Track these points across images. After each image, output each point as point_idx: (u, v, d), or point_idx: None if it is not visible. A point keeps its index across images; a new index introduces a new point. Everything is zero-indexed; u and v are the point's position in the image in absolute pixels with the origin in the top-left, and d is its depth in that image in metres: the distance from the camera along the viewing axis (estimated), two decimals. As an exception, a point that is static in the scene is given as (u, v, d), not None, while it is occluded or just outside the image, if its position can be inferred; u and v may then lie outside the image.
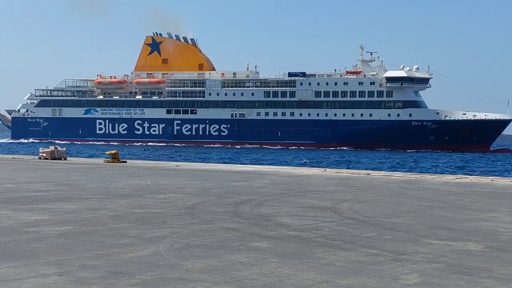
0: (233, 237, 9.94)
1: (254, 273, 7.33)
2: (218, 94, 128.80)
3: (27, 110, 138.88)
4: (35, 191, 17.07)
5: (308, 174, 27.80)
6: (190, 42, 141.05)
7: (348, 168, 43.76)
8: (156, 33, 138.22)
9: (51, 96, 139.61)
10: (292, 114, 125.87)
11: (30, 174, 23.66)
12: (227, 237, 9.98)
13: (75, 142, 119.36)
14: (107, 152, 37.06)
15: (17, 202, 14.21)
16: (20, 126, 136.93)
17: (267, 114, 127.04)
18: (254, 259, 8.16)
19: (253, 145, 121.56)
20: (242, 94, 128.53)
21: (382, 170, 36.49)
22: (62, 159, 36.46)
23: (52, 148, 38.53)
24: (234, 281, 6.90)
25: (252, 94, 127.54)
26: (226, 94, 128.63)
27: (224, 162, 50.47)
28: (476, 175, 36.08)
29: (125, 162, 35.35)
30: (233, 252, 8.62)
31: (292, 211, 13.72)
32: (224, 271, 7.40)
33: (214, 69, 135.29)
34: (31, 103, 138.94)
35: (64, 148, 39.62)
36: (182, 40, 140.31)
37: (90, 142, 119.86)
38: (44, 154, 36.91)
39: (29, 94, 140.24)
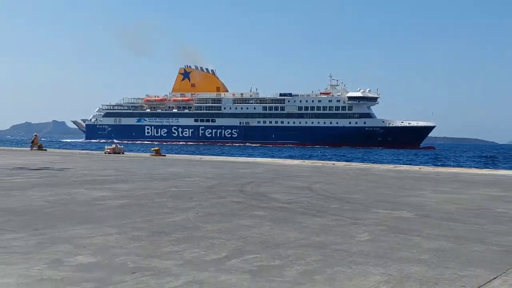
0: (240, 208, 9.97)
1: (254, 233, 7.38)
2: (230, 108, 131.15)
3: (96, 119, 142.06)
4: (102, 176, 17.10)
5: (291, 164, 27.81)
6: (210, 71, 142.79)
7: (320, 159, 43.79)
8: (187, 65, 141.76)
9: (113, 109, 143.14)
10: (282, 122, 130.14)
11: (98, 164, 23.71)
12: (235, 207, 10.00)
13: (130, 142, 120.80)
14: (152, 149, 37.07)
15: (89, 183, 14.26)
16: (91, 131, 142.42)
17: (264, 122, 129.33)
18: (254, 223, 8.20)
19: (255, 144, 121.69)
20: (247, 108, 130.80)
21: (343, 161, 36.38)
22: (121, 153, 36.48)
23: (113, 146, 38.66)
24: (240, 238, 6.95)
25: (254, 108, 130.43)
26: (236, 108, 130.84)
27: (233, 156, 50.46)
28: (407, 165, 36.13)
29: (165, 155, 35.34)
30: (239, 218, 8.66)
31: (281, 189, 13.73)
32: (233, 231, 7.45)
33: (227, 91, 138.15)
34: (99, 114, 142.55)
35: (122, 146, 39.76)
36: (204, 70, 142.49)
37: (140, 142, 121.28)
38: (108, 150, 36.96)
39: (98, 108, 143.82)
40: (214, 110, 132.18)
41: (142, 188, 13.35)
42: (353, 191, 13.55)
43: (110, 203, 10.23)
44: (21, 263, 5.31)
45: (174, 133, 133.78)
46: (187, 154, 43.93)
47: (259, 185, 14.87)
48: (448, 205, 11.03)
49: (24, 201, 10.06)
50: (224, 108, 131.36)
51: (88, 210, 9.18)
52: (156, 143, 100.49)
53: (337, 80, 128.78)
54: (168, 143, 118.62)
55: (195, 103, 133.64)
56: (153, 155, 34.44)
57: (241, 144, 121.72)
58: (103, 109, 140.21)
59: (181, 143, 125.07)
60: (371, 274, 5.23)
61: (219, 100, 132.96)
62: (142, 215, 8.77)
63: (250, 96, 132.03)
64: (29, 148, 41.53)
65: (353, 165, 28.94)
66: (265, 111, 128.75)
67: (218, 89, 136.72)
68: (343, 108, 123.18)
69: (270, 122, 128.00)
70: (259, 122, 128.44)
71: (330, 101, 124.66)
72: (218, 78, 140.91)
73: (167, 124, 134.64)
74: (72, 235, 6.87)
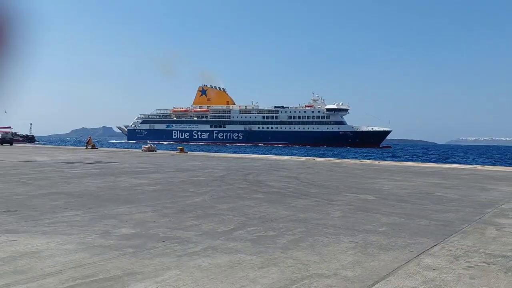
0: (244, 192, 9.91)
1: (255, 211, 7.36)
2: (237, 117, 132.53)
3: (135, 125, 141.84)
4: (140, 168, 17.04)
5: (283, 159, 27.74)
6: (221, 89, 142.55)
7: (303, 156, 43.61)
8: (204, 84, 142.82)
9: (148, 118, 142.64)
10: (276, 128, 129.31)
11: (137, 159, 23.67)
12: (240, 192, 9.95)
13: (160, 143, 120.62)
14: (177, 148, 37.04)
15: (130, 173, 14.22)
16: (132, 134, 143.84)
17: (263, 128, 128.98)
18: (255, 204, 8.17)
19: (256, 144, 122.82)
20: (250, 117, 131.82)
21: (322, 157, 36.25)
22: (154, 151, 36.45)
23: (148, 145, 38.51)
24: (244, 215, 6.93)
25: (255, 117, 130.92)
26: (241, 117, 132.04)
27: (239, 153, 50.24)
28: (370, 159, 36.02)
29: (187, 153, 35.31)
30: (243, 200, 8.62)
31: (275, 178, 13.63)
32: (239, 210, 7.43)
33: (234, 104, 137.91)
34: (137, 121, 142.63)
35: (155, 146, 39.57)
36: (217, 88, 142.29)
37: (168, 143, 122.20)
38: (145, 149, 36.89)
39: (136, 117, 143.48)
40: (225, 118, 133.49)
41: (170, 177, 13.31)
42: (329, 180, 13.52)
43: (146, 188, 10.21)
44: (79, 234, 5.31)
45: (195, 136, 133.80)
46: (204, 152, 43.86)
47: (258, 175, 14.83)
48: (400, 190, 11.01)
49: (81, 187, 10.05)
50: (233, 117, 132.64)
51: (129, 194, 9.15)
52: (181, 143, 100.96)
53: (318, 96, 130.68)
54: (190, 143, 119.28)
55: (211, 113, 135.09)
56: (178, 153, 34.44)
57: (245, 144, 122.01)
58: (140, 117, 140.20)
59: (200, 143, 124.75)
60: (342, 242, 5.23)
61: (228, 111, 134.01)
62: (170, 198, 8.75)
63: (252, 108, 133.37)
64: (85, 147, 41.49)
65: (329, 160, 28.89)
66: (264, 119, 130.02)
67: (227, 103, 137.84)
68: (322, 117, 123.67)
69: (268, 127, 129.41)
70: (259, 127, 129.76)
71: (313, 111, 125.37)
72: (227, 94, 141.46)
73: (189, 129, 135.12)
74: (117, 213, 6.86)
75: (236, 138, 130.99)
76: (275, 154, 43.50)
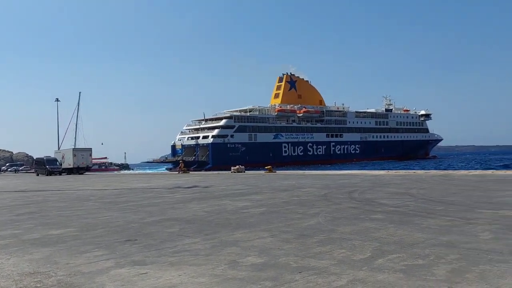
0: (358, 212, 9.15)
1: (384, 234, 6.57)
2: (353, 123, 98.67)
3: (221, 134, 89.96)
4: (237, 189, 17.01)
5: (381, 174, 26.16)
6: (310, 83, 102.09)
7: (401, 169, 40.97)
8: (291, 73, 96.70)
9: (241, 118, 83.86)
10: (386, 137, 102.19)
11: (230, 181, 23.85)
12: (354, 212, 9.21)
13: (266, 167, 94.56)
14: (266, 167, 37.00)
15: (230, 196, 14.17)
16: (219, 151, 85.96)
17: (377, 137, 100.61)
18: (379, 226, 7.38)
19: (373, 160, 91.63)
20: (365, 123, 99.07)
21: (422, 170, 33.53)
22: (242, 172, 36.73)
23: (237, 166, 38.61)
24: (374, 239, 6.20)
25: (369, 122, 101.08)
26: (357, 123, 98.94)
27: (326, 170, 48.66)
28: (480, 170, 32.69)
29: (275, 172, 35.11)
30: (363, 221, 7.89)
31: (384, 196, 12.61)
32: (365, 233, 6.72)
33: (325, 104, 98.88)
34: (227, 123, 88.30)
35: (243, 167, 39.17)
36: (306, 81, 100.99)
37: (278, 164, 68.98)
38: (234, 170, 37.31)
39: (215, 114, 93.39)
40: (341, 124, 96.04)
41: (271, 198, 12.97)
42: (448, 195, 12.15)
43: (253, 211, 9.92)
44: (207, 264, 5.03)
45: (310, 151, 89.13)
46: (292, 170, 43.36)
47: (363, 192, 13.89)
48: (545, 204, 9.45)
49: (189, 212, 10.04)
50: (349, 123, 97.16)
51: (238, 218, 8.89)
52: (292, 166, 72.12)
53: (389, 99, 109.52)
54: (304, 163, 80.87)
55: (326, 116, 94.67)
56: (267, 172, 34.34)
57: (360, 161, 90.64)
58: (220, 115, 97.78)
59: (317, 163, 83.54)
60: (518, 272, 4.30)
61: (344, 114, 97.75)
62: (282, 220, 8.32)
63: (364, 111, 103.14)
64: (177, 172, 43.33)
65: (432, 172, 26.73)
66: (377, 126, 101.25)
67: (320, 102, 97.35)
68: (417, 123, 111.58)
69: (380, 136, 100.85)
70: (373, 137, 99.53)
71: (412, 117, 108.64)
72: (317, 90, 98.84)
73: (303, 140, 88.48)
74: (235, 239, 6.55)
75: (353, 152, 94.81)
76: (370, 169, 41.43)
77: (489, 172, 25.15)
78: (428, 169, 37.98)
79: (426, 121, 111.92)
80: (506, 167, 50.76)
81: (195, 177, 31.66)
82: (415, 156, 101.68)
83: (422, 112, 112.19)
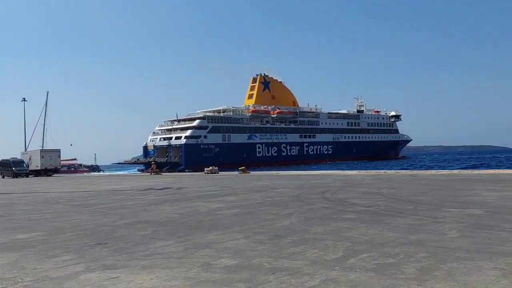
0: (330, 212, 9.25)
1: (355, 234, 6.69)
2: (326, 123, 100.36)
3: (193, 135, 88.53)
4: (210, 191, 16.94)
5: (352, 174, 26.54)
6: (283, 83, 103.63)
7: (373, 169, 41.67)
8: (265, 74, 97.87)
9: (215, 119, 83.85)
10: (358, 137, 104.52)
11: (203, 182, 23.72)
12: (327, 212, 9.31)
13: (239, 168, 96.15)
14: (239, 168, 36.96)
15: (204, 197, 14.10)
16: (192, 152, 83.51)
17: (348, 137, 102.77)
18: (350, 225, 7.50)
19: (343, 160, 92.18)
20: (337, 124, 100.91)
21: (392, 170, 34.30)
22: (216, 173, 36.60)
23: (210, 167, 38.43)
24: (346, 239, 6.28)
25: (341, 123, 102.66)
26: (330, 124, 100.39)
27: (300, 170, 48.94)
28: (447, 170, 33.68)
29: (249, 173, 35.15)
30: (335, 221, 7.99)
31: (356, 195, 12.83)
32: (337, 233, 6.81)
33: (299, 106, 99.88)
34: (200, 125, 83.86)
35: (216, 167, 39.04)
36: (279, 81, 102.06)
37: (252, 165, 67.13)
38: (207, 171, 37.15)
39: (188, 114, 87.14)
40: (314, 125, 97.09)
41: (245, 199, 12.98)
42: (417, 194, 12.48)
43: (226, 212, 9.90)
44: (179, 267, 4.98)
45: (283, 152, 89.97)
46: (266, 171, 43.54)
47: (335, 192, 14.10)
48: (509, 202, 9.84)
49: (161, 214, 9.92)
50: (322, 123, 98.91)
51: (211, 219, 8.85)
52: (266, 166, 71.58)
53: (361, 100, 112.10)
54: (278, 164, 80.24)
55: (300, 117, 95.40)
56: (241, 173, 34.33)
57: (333, 162, 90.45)
58: (194, 115, 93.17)
59: (289, 163, 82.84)
60: (484, 269, 4.45)
61: (317, 115, 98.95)
62: (255, 221, 8.34)
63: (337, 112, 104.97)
64: (149, 174, 42.76)
65: (402, 172, 27.37)
66: (349, 127, 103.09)
67: (294, 103, 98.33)
68: (388, 124, 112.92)
69: (352, 137, 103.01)
70: (345, 137, 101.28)
71: (383, 118, 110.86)
72: (291, 91, 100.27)
73: (276, 141, 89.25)
74: (209, 241, 6.52)
75: (326, 152, 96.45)
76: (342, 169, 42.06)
77: (456, 171, 25.96)
78: (397, 169, 38.87)
79: (396, 122, 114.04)
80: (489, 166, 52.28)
81: (168, 178, 31.32)
82: (385, 157, 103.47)
83: (393, 113, 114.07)
